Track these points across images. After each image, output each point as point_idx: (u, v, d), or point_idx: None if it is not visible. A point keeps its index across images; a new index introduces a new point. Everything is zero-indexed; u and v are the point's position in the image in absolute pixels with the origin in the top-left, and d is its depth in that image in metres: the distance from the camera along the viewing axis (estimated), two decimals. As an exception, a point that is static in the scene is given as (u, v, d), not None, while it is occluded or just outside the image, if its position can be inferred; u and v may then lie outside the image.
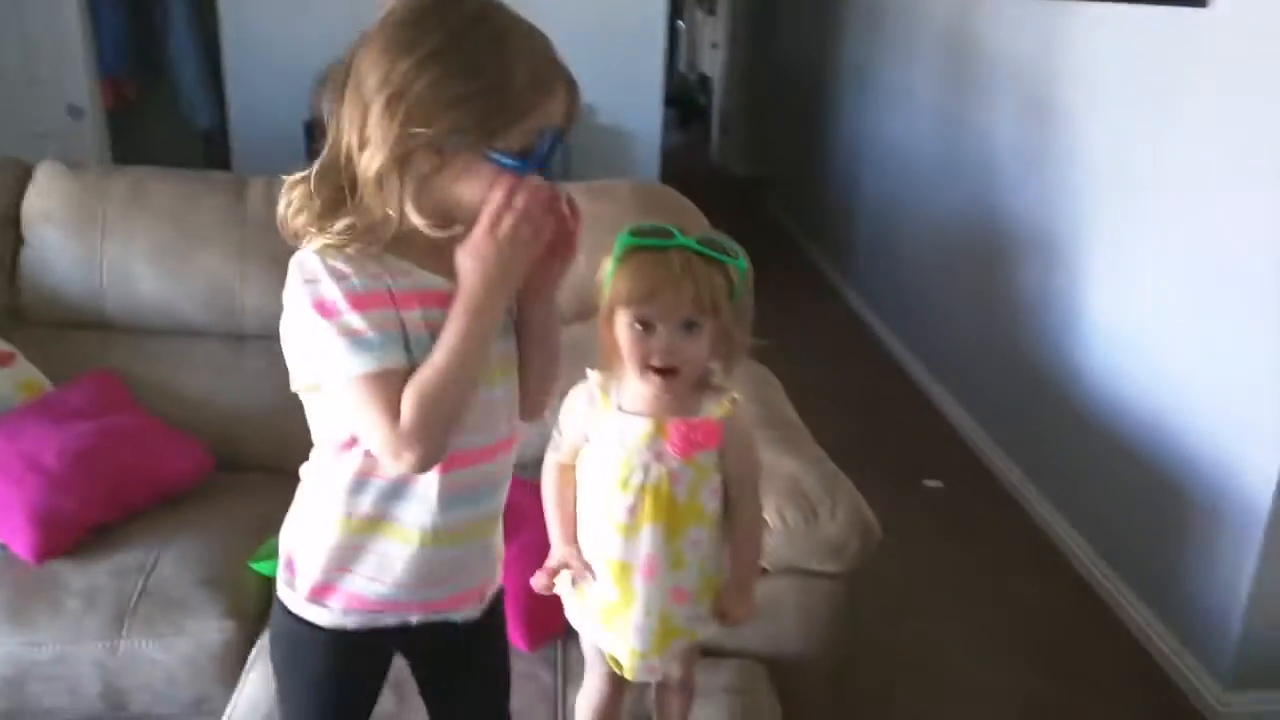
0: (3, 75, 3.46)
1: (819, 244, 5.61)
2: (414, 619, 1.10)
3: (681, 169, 7.71)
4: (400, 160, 0.91)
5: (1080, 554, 2.65)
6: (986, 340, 3.30)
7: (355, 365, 0.92)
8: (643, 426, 1.19)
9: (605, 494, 1.22)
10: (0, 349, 1.94)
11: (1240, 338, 2.08)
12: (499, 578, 1.19)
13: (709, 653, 1.58)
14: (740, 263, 1.17)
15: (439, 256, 0.96)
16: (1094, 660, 2.34)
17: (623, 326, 1.16)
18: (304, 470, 1.10)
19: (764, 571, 1.57)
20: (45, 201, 2.03)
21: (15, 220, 2.05)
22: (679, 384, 1.18)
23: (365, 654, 1.14)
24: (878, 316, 4.46)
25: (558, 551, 1.29)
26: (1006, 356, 3.14)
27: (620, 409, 1.21)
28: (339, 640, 1.10)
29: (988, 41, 3.35)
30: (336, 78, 0.95)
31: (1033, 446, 2.98)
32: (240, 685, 1.50)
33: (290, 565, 1.10)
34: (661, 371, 1.15)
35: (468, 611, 1.14)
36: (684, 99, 10.00)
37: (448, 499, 1.03)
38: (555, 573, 1.29)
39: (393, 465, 0.95)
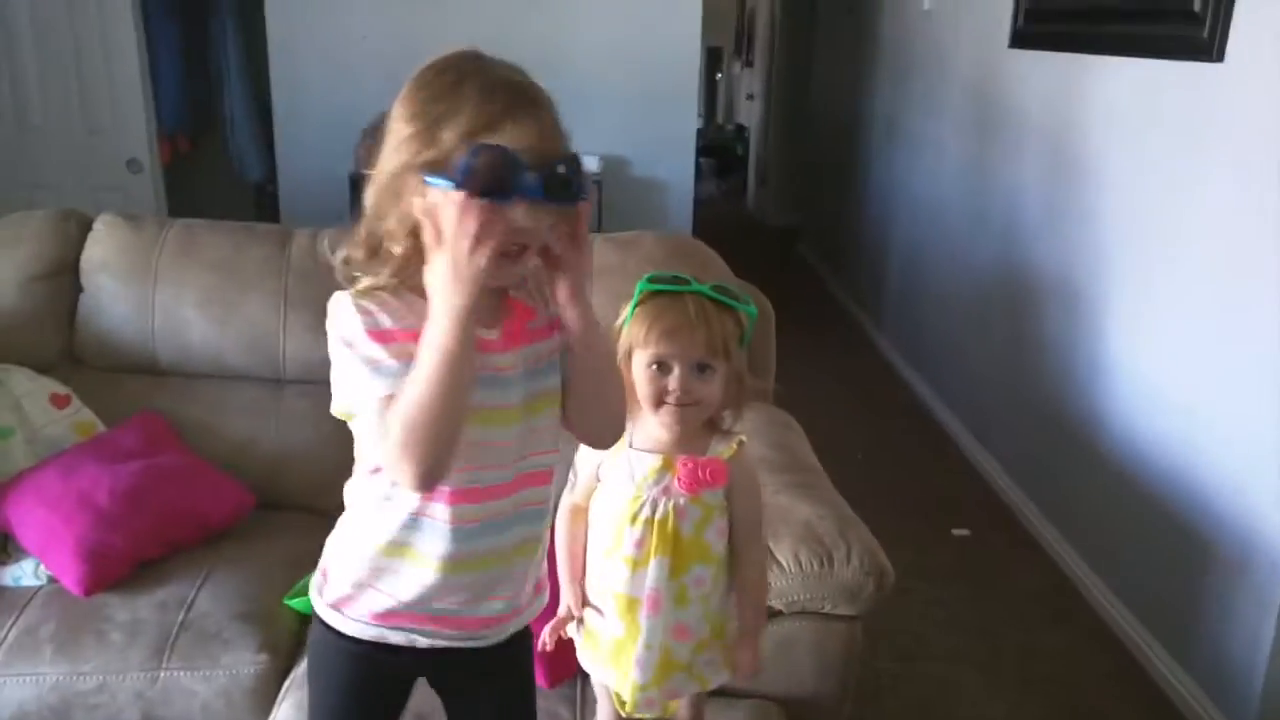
0: (66, 129, 3.64)
1: (851, 292, 5.65)
2: (422, 641, 1.15)
3: (718, 218, 7.84)
4: (384, 200, 1.02)
5: (1104, 601, 2.64)
6: (1013, 388, 3.31)
7: (376, 389, 1.00)
8: (652, 462, 1.25)
9: (615, 529, 1.27)
10: (58, 391, 2.05)
11: (1264, 386, 2.09)
12: (528, 609, 1.21)
13: (723, 693, 1.61)
14: (751, 309, 1.24)
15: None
16: (1116, 708, 2.33)
17: (640, 367, 1.23)
18: (346, 487, 1.17)
19: (778, 613, 1.61)
20: (103, 251, 2.15)
21: (75, 269, 2.17)
22: (692, 419, 1.24)
23: (380, 670, 1.19)
24: (908, 364, 4.49)
25: (565, 593, 1.34)
26: (1032, 404, 3.15)
27: (632, 446, 1.27)
28: (355, 650, 1.17)
29: (1012, 94, 3.40)
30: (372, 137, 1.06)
31: (1058, 493, 2.98)
32: (272, 717, 1.56)
33: (325, 574, 1.19)
34: (677, 404, 1.22)
35: (483, 638, 1.17)
36: (722, 149, 10.13)
37: (462, 532, 1.09)
38: (563, 623, 1.34)
39: (399, 481, 1.00)
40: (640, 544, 1.25)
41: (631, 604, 1.28)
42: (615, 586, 1.28)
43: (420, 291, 1.01)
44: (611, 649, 1.31)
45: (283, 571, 1.78)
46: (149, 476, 1.85)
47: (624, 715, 1.37)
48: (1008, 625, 2.61)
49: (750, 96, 9.60)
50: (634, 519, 1.25)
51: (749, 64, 9.84)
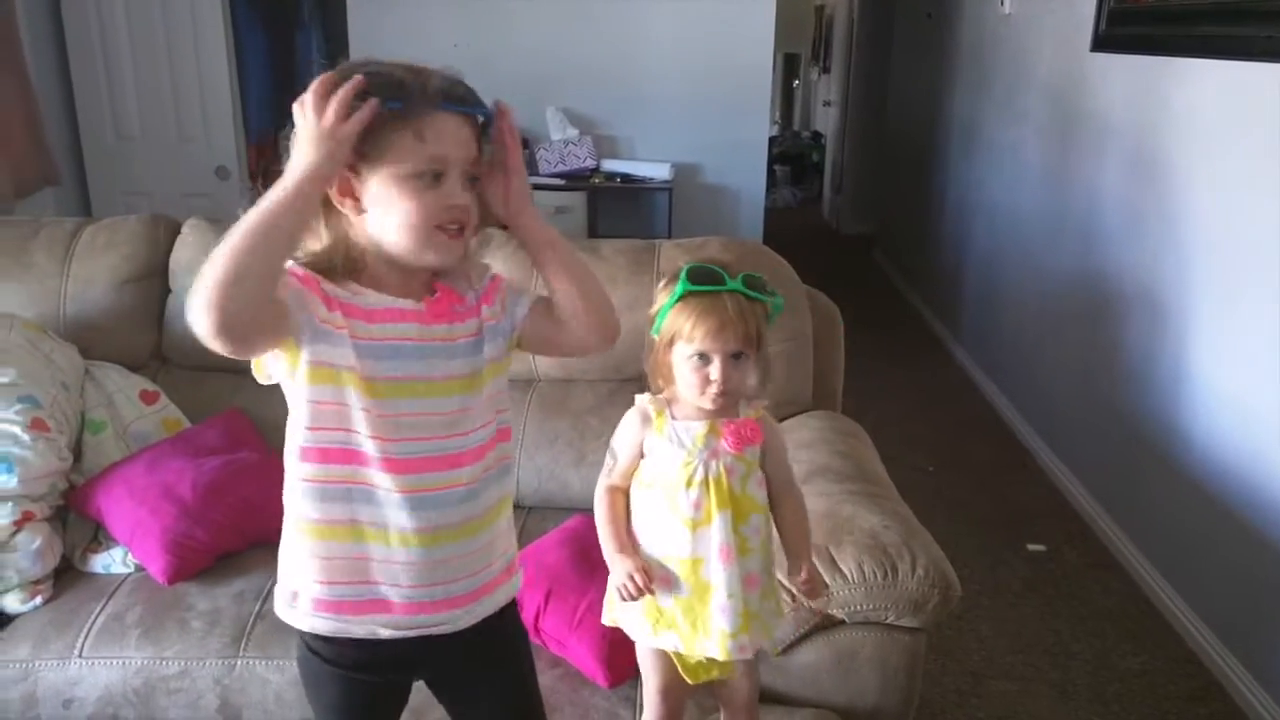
0: (160, 139, 3.80)
1: (927, 300, 5.57)
2: (383, 632, 1.16)
3: (793, 226, 7.81)
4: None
5: (1184, 620, 2.56)
6: (1092, 400, 3.23)
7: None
8: (699, 428, 1.34)
9: (669, 496, 1.34)
10: (147, 388, 2.14)
11: (1354, 404, 2.01)
12: (497, 589, 1.22)
13: (782, 701, 1.62)
14: (778, 301, 1.35)
15: (396, 282, 1.12)
16: (1199, 736, 2.25)
17: (681, 359, 1.33)
18: (285, 496, 1.17)
19: (840, 622, 1.60)
20: (190, 254, 2.24)
21: (164, 271, 2.26)
22: (730, 401, 1.35)
23: (365, 675, 1.21)
24: (985, 374, 4.40)
25: (615, 564, 1.36)
26: (1112, 416, 3.07)
27: (674, 419, 1.36)
28: (336, 659, 1.20)
29: (1093, 99, 3.32)
30: None
31: (1137, 509, 2.90)
32: (341, 707, 1.60)
33: (281, 582, 1.20)
34: (719, 392, 1.32)
35: (447, 622, 1.17)
36: (798, 156, 10.08)
37: (413, 501, 1.11)
38: (632, 590, 1.35)
39: (197, 329, 0.96)
40: (698, 505, 1.33)
41: (696, 565, 1.33)
42: (677, 552, 1.34)
43: (367, 281, 1.10)
44: (682, 612, 1.35)
45: (354, 567, 1.83)
46: (229, 472, 1.92)
47: (687, 681, 1.41)
48: (1083, 644, 2.55)
49: (827, 103, 9.53)
50: (689, 482, 1.33)
51: (826, 71, 9.77)
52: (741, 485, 1.35)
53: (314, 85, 1.03)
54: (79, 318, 2.19)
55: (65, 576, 1.85)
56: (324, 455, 1.11)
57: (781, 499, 1.41)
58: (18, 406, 1.88)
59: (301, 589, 1.17)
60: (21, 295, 2.18)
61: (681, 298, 1.31)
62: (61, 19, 3.66)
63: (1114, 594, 2.78)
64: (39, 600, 1.78)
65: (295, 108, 1.04)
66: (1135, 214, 2.99)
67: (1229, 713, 2.30)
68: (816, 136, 10.29)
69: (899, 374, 4.48)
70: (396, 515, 1.11)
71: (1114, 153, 3.17)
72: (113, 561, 1.86)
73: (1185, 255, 2.68)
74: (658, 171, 4.23)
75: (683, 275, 1.31)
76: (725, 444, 1.34)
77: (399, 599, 1.15)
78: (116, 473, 1.93)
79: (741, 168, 4.40)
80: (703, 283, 1.30)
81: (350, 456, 1.10)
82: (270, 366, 1.10)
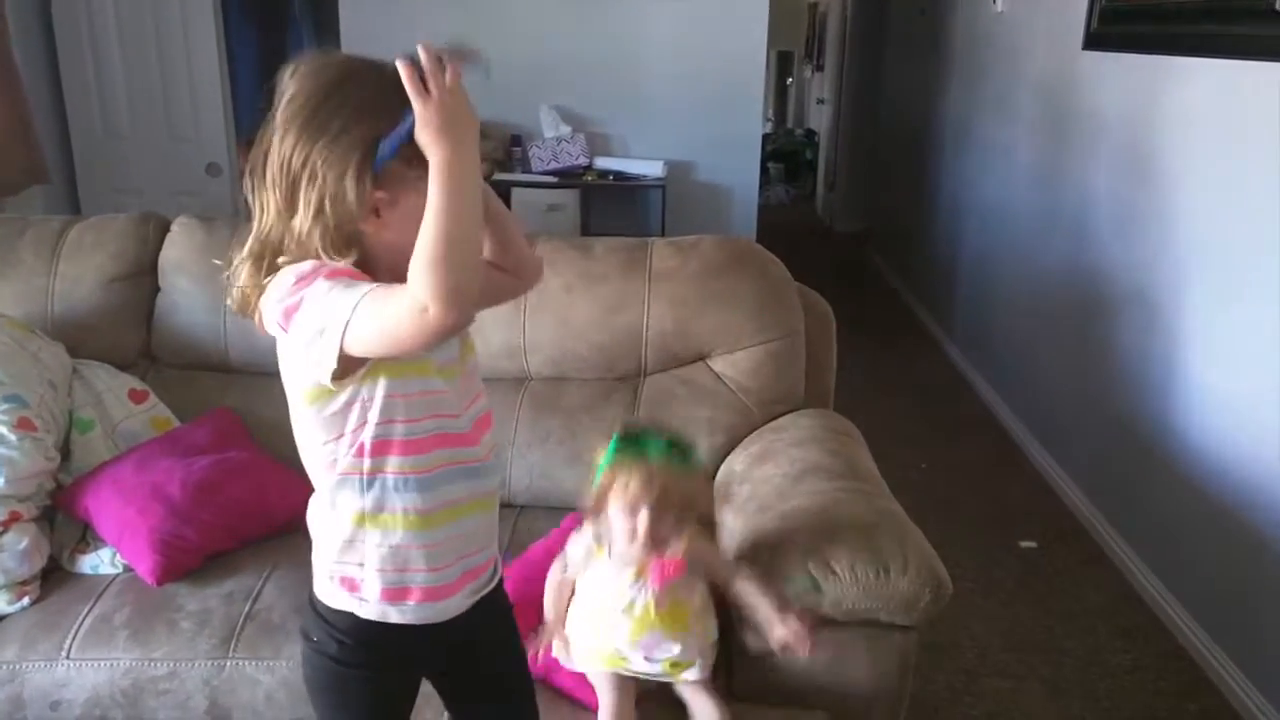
0: (150, 136, 3.78)
1: (920, 298, 5.57)
2: (466, 604, 1.22)
3: (786, 223, 7.81)
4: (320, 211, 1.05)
5: (1176, 618, 2.56)
6: (1084, 398, 3.23)
7: (356, 293, 0.99)
8: (629, 576, 1.52)
9: (608, 617, 1.54)
10: (136, 387, 2.13)
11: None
12: (495, 578, 1.28)
13: (774, 700, 1.61)
14: (697, 459, 1.56)
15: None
16: (1191, 733, 2.26)
17: (615, 511, 1.48)
18: (310, 511, 1.21)
19: (832, 620, 1.59)
20: (179, 252, 2.22)
21: (153, 269, 2.25)
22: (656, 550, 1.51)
23: (377, 669, 1.23)
24: (977, 371, 4.41)
25: (551, 630, 1.59)
26: (1104, 415, 3.07)
27: (610, 557, 1.52)
28: (345, 658, 1.21)
29: (1085, 98, 3.33)
30: None
31: (1128, 507, 2.90)
32: (331, 707, 1.60)
33: (333, 579, 1.21)
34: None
35: (490, 580, 1.25)
36: (791, 154, 10.08)
37: (483, 468, 1.18)
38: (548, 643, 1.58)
39: (424, 329, 0.95)
40: (631, 623, 1.53)
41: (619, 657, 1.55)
42: (616, 648, 1.54)
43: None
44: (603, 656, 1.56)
45: (345, 566, 1.82)
46: (219, 471, 1.90)
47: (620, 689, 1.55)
48: (1074, 641, 2.55)
49: (820, 101, 9.53)
50: (628, 609, 1.52)
51: (819, 69, 9.77)
52: (672, 600, 1.52)
53: (432, 61, 0.98)
54: (67, 316, 2.18)
55: (53, 577, 1.84)
56: (421, 446, 1.12)
57: (730, 585, 1.55)
58: (4, 406, 1.86)
59: (385, 583, 1.17)
60: (8, 294, 2.16)
61: (613, 459, 1.45)
62: (51, 15, 3.64)
63: (1105, 591, 2.78)
64: (26, 601, 1.76)
65: (415, 80, 0.98)
66: (1128, 213, 3.00)
67: (1220, 709, 2.30)
68: (810, 134, 10.29)
69: (891, 372, 4.48)
70: (486, 482, 1.19)
71: (1106, 151, 3.17)
72: (101, 562, 1.85)
73: (1178, 254, 2.68)
74: (651, 169, 4.23)
75: (612, 441, 1.46)
76: (652, 584, 1.50)
77: (483, 560, 1.23)
78: (104, 472, 1.91)
79: (735, 165, 4.40)
80: (629, 445, 1.45)
81: (443, 441, 1.14)
82: (354, 365, 1.05)
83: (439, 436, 1.13)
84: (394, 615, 1.18)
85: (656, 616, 1.53)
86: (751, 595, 1.54)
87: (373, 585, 1.17)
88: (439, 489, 1.14)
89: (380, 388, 1.08)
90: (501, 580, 1.31)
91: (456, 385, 1.16)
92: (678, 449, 1.48)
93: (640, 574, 1.53)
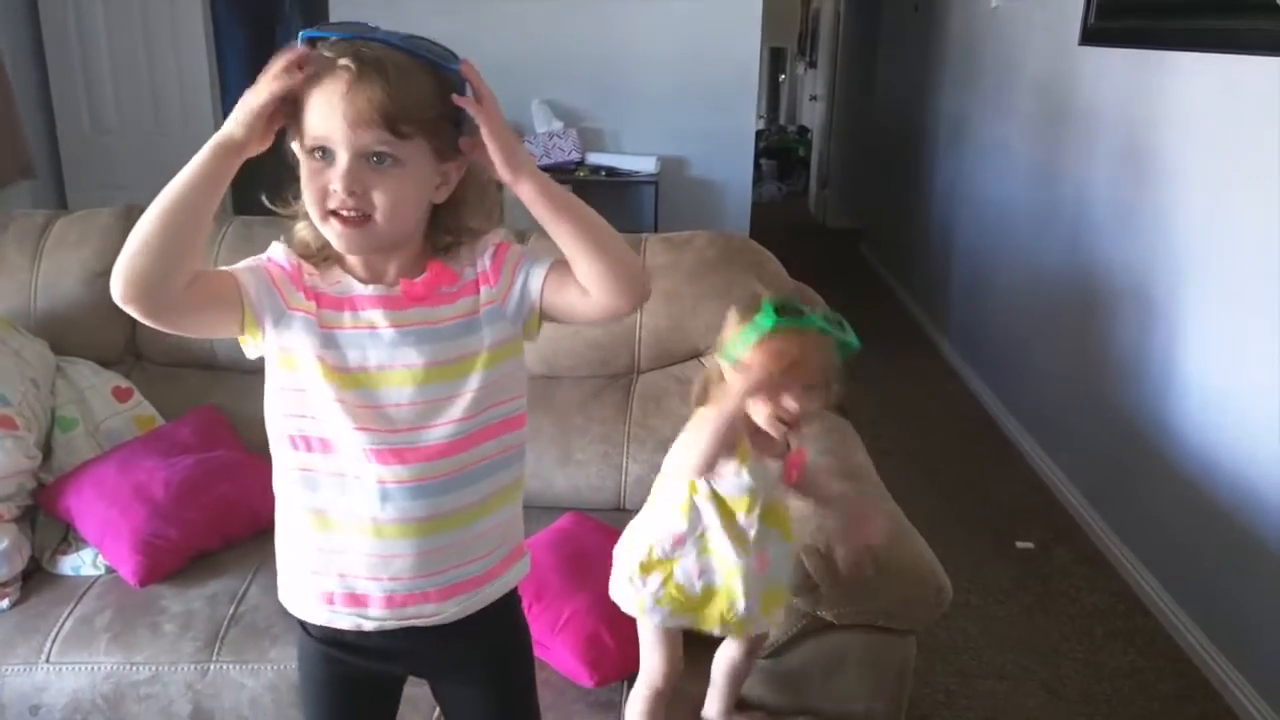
0: (138, 131, 3.74)
1: (914, 296, 5.55)
2: (368, 624, 1.12)
3: (779, 220, 7.78)
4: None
5: (1174, 619, 2.54)
6: (1081, 397, 3.21)
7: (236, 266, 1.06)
8: (776, 468, 1.39)
9: (727, 517, 1.38)
10: (120, 385, 2.09)
11: (1347, 400, 1.99)
12: (492, 583, 1.16)
13: (771, 707, 1.58)
14: (853, 342, 1.35)
15: (375, 265, 1.08)
16: (1189, 735, 2.23)
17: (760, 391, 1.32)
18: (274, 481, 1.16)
19: (829, 625, 1.56)
20: (165, 249, 2.18)
21: (138, 266, 2.21)
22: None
23: (353, 668, 1.17)
24: (972, 369, 4.39)
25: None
26: (1102, 414, 3.05)
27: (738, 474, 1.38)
28: (325, 651, 1.17)
29: (1083, 93, 3.30)
30: None
31: (1127, 507, 2.88)
32: (317, 712, 1.57)
33: (279, 568, 1.18)
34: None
35: (434, 615, 1.12)
36: (784, 151, 10.06)
37: (378, 492, 1.06)
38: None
39: (115, 294, 0.98)
40: (753, 527, 1.39)
41: (744, 572, 1.39)
42: (726, 563, 1.39)
43: (349, 267, 1.08)
44: (684, 603, 1.41)
45: (332, 568, 1.79)
46: (204, 470, 1.87)
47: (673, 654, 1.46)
48: (1072, 643, 2.53)
49: (813, 98, 9.51)
50: (749, 509, 1.38)
51: (812, 65, 9.76)
52: (783, 500, 1.44)
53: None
54: (50, 312, 2.14)
55: (34, 578, 1.80)
56: (296, 443, 1.08)
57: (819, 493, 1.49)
58: (-16, 404, 1.82)
59: (291, 578, 1.15)
60: (-10, 290, 2.13)
61: (768, 328, 1.30)
62: (38, 9, 3.60)
63: (1103, 592, 2.76)
64: (5, 603, 1.73)
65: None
66: (1125, 209, 2.97)
67: (1218, 712, 2.28)
68: (802, 131, 10.27)
69: (886, 370, 4.46)
70: (370, 506, 1.07)
71: (1103, 147, 3.15)
72: (82, 563, 1.81)
73: (1176, 251, 2.66)
74: (643, 165, 4.20)
75: (767, 309, 1.30)
76: (791, 480, 1.41)
77: (380, 592, 1.10)
78: (87, 472, 1.88)
79: (728, 161, 4.38)
80: (791, 312, 1.32)
81: (322, 445, 1.07)
82: (248, 346, 1.08)
83: None
84: None
85: (782, 516, 1.42)
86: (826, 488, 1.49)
87: None
88: (308, 492, 1.12)
89: None
90: (502, 610, 1.20)
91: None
92: (837, 321, 1.36)
93: (782, 469, 1.41)
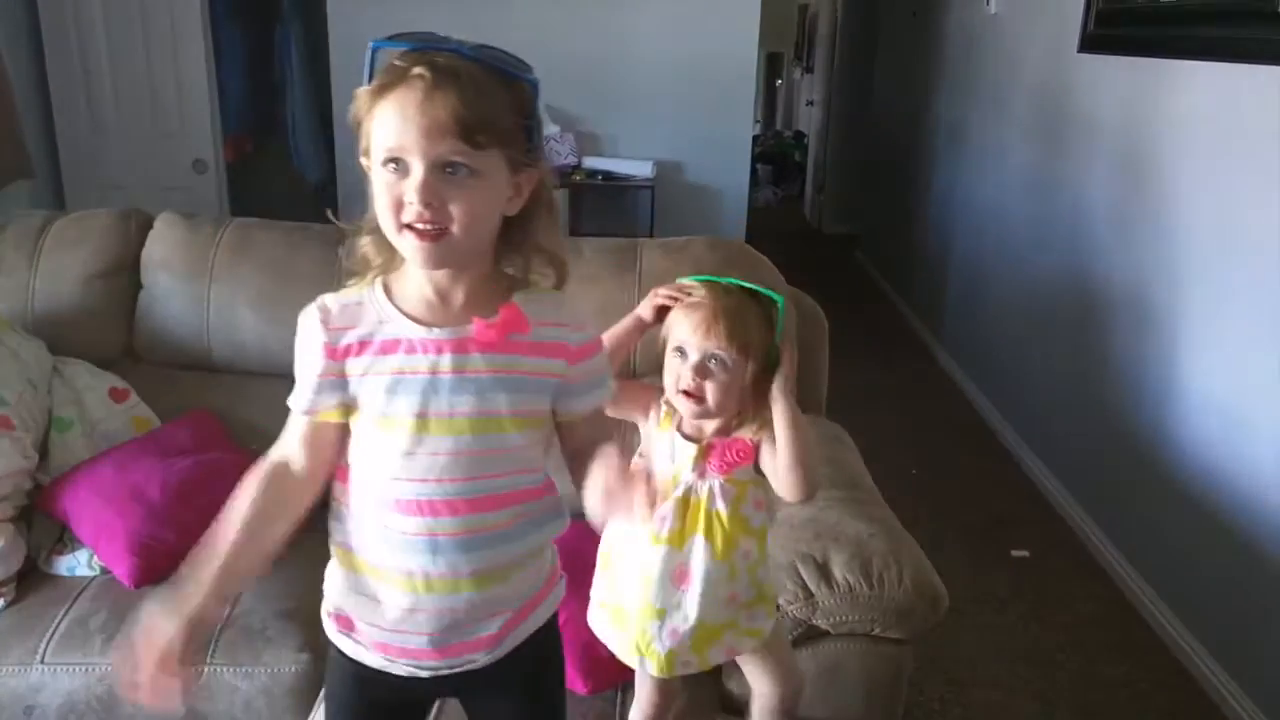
0: (137, 131, 3.72)
1: (910, 302, 5.56)
2: (424, 673, 1.12)
3: (774, 225, 7.78)
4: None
5: (1170, 630, 2.54)
6: (1078, 404, 3.21)
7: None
8: (691, 450, 1.31)
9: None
10: (117, 386, 2.08)
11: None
12: (535, 613, 1.16)
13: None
14: (778, 298, 1.29)
15: (434, 288, 1.04)
16: (1184, 746, 2.23)
17: (668, 352, 1.31)
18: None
19: (824, 633, 1.56)
20: (162, 249, 2.18)
21: (135, 266, 2.21)
22: (698, 414, 1.31)
23: (392, 692, 1.16)
24: (968, 376, 4.39)
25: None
26: (1098, 422, 3.05)
27: (679, 430, 1.34)
28: (365, 674, 1.14)
29: (1081, 101, 3.31)
30: None
31: (1123, 516, 2.88)
32: (310, 717, 1.56)
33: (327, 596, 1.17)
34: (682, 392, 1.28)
35: (484, 655, 1.13)
36: (780, 156, 10.06)
37: (428, 544, 1.05)
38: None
39: None
40: (664, 520, 1.30)
41: (647, 580, 1.32)
42: (639, 559, 1.34)
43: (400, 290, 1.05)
44: (615, 614, 1.37)
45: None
46: (200, 472, 1.87)
47: (661, 677, 1.40)
48: (1067, 653, 2.53)
49: (810, 103, 9.51)
50: (664, 496, 1.30)
51: (809, 70, 9.76)
52: (733, 507, 1.31)
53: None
54: (47, 313, 2.13)
55: (29, 579, 1.79)
56: (353, 487, 1.09)
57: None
58: (-20, 404, 1.82)
59: (344, 619, 1.15)
60: (-13, 290, 2.12)
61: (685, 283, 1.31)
62: (37, 9, 3.59)
63: (1098, 601, 2.76)
64: (0, 604, 1.72)
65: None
66: (1123, 218, 2.98)
67: (1213, 722, 2.28)
68: (799, 136, 10.27)
69: (881, 377, 4.46)
70: (421, 558, 1.06)
71: (1102, 155, 3.15)
72: (78, 564, 1.81)
73: (1174, 259, 2.66)
74: (640, 169, 4.19)
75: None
76: (711, 466, 1.30)
77: (431, 645, 1.10)
78: (83, 473, 1.87)
79: (724, 166, 4.37)
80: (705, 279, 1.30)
81: (377, 496, 1.06)
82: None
83: None
84: None
85: (712, 514, 1.29)
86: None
87: None
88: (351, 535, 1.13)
89: None
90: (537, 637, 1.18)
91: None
92: (756, 293, 1.29)
93: (702, 455, 1.30)
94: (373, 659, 1.13)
